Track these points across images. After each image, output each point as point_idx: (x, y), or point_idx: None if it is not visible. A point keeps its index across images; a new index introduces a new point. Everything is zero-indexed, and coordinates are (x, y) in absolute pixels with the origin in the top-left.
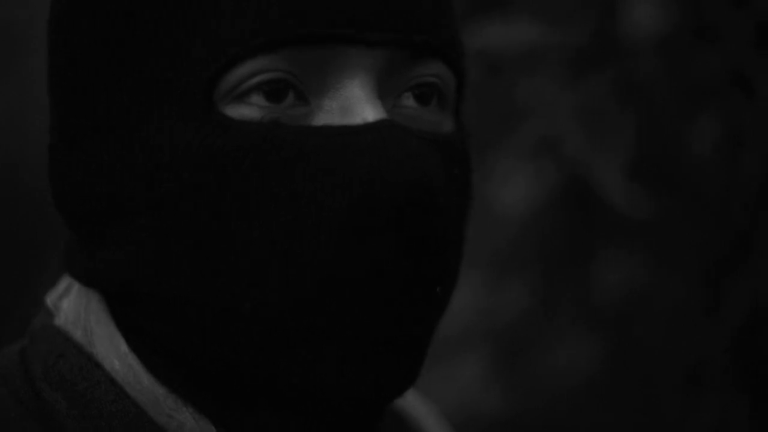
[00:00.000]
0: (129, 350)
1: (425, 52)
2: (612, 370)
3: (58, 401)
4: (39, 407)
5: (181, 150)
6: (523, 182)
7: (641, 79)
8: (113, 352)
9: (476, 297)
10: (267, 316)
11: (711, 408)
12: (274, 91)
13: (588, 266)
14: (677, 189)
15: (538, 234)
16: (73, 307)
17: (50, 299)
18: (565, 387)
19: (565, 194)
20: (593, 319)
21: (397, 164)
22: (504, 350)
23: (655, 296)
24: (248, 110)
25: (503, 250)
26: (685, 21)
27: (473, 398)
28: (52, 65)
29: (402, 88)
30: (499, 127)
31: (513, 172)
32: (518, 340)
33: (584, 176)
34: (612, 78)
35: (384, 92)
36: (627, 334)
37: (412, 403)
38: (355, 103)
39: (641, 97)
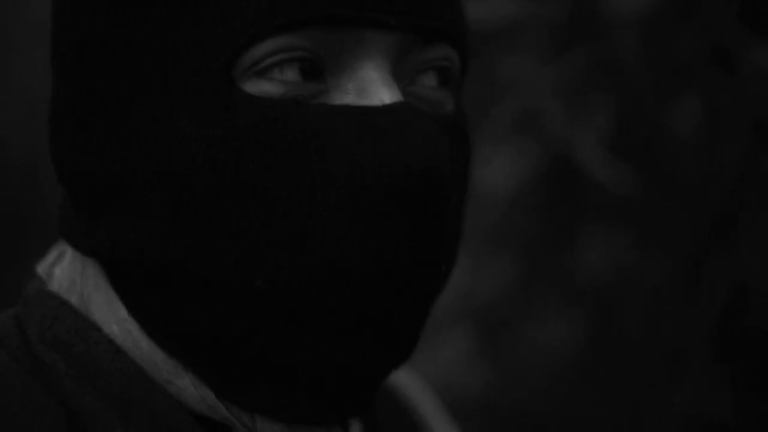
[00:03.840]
0: (128, 316)
1: (438, 36)
2: (595, 349)
3: (57, 361)
4: (37, 368)
5: (198, 126)
6: (506, 161)
7: (622, 55)
8: (112, 317)
9: (460, 276)
10: (275, 294)
11: (694, 387)
12: (302, 68)
13: (571, 245)
14: (658, 167)
15: (522, 213)
16: (67, 274)
17: (41, 268)
18: (549, 366)
19: (547, 173)
20: (577, 298)
21: (415, 149)
22: (487, 329)
23: (638, 275)
24: (268, 86)
25: (487, 229)
26: None
27: (457, 377)
28: (59, 39)
29: (413, 72)
30: (481, 105)
31: (495, 150)
32: (502, 319)
33: (566, 154)
34: (593, 54)
35: (397, 75)
36: (610, 313)
37: (403, 378)
38: (372, 85)
39: (622, 74)
